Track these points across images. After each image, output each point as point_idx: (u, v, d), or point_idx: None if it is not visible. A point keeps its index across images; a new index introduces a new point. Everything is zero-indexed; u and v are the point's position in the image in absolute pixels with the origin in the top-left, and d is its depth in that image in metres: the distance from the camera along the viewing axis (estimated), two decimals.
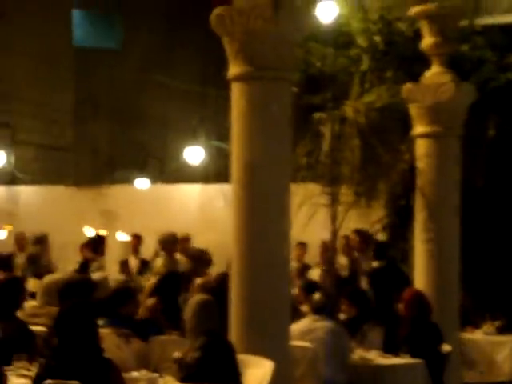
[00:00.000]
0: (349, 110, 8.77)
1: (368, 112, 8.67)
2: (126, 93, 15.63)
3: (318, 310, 7.17)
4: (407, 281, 9.05)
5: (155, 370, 5.61)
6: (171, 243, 10.91)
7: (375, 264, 9.89)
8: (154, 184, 14.30)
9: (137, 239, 12.15)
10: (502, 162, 11.05)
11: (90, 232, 11.80)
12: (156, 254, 11.13)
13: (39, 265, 10.87)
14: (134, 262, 11.71)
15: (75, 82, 15.78)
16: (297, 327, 6.94)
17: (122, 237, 11.87)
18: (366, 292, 8.65)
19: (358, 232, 10.57)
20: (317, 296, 7.26)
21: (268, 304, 6.13)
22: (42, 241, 11.72)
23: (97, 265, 11.05)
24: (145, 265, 11.51)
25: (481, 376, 9.52)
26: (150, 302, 7.93)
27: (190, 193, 14.12)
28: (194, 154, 13.74)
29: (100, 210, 13.90)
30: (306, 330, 7.00)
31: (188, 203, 13.89)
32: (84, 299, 6.49)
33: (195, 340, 5.63)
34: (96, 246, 11.56)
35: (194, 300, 5.91)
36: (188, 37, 14.75)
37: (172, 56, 15.42)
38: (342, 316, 8.06)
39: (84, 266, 11.00)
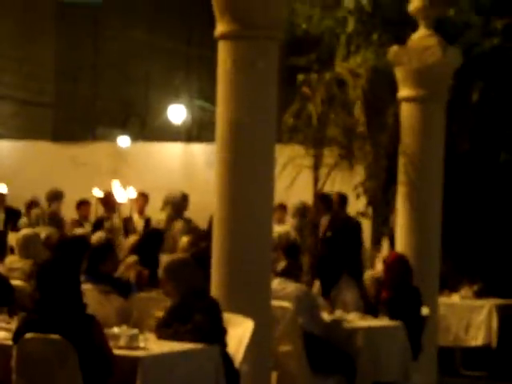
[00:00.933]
0: (344, 71, 8.70)
1: (364, 73, 8.63)
2: (109, 50, 15.51)
3: (287, 272, 7.17)
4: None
5: (135, 327, 5.62)
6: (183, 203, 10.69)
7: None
8: (135, 142, 14.23)
9: (143, 198, 11.83)
10: (485, 128, 11.06)
11: (98, 192, 11.55)
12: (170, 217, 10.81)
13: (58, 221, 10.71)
14: (138, 222, 11.50)
15: (56, 37, 15.62)
16: None
17: (129, 193, 11.63)
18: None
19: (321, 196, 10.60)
20: (282, 262, 7.27)
21: (250, 263, 6.14)
22: (57, 197, 11.61)
23: (109, 223, 10.91)
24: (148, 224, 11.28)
25: (455, 340, 9.63)
26: (130, 259, 7.93)
27: (172, 151, 14.07)
28: (177, 113, 13.68)
29: (80, 166, 13.83)
30: (277, 288, 7.00)
31: (170, 162, 13.85)
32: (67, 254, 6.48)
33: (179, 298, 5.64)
34: (107, 202, 11.38)
35: (172, 260, 5.92)
36: None
37: (156, 15, 15.30)
38: None
39: (98, 224, 10.91)
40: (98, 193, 11.38)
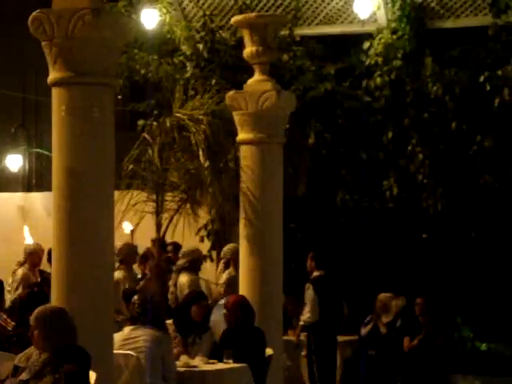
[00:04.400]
0: (184, 117, 8.75)
1: (205, 119, 8.70)
2: None
3: (135, 319, 7.09)
4: None
5: None
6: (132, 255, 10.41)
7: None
8: None
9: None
10: (321, 170, 11.37)
11: None
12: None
13: None
14: None
15: None
16: (118, 336, 6.86)
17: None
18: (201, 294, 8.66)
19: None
20: (131, 306, 7.18)
21: (90, 313, 6.03)
22: None
23: None
24: None
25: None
26: None
27: (10, 201, 13.74)
28: (14, 161, 13.41)
29: None
30: (126, 339, 6.92)
31: (8, 211, 13.51)
32: None
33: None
34: None
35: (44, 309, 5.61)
36: (7, 41, 14.38)
37: None
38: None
39: None
40: None
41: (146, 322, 7.03)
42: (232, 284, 9.38)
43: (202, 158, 8.68)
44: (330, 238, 11.07)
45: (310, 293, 9.80)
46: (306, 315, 9.80)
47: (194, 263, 9.94)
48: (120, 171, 8.57)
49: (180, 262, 10.03)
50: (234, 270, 9.64)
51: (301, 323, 9.90)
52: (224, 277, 9.84)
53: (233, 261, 9.73)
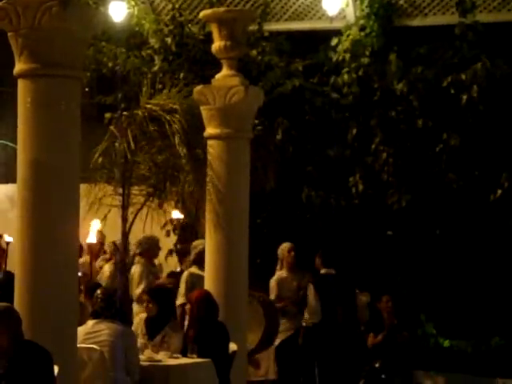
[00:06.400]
0: (155, 107, 8.70)
1: (179, 108, 8.64)
2: None
3: (98, 313, 7.07)
4: None
5: None
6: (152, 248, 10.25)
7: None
8: None
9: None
10: (288, 167, 11.39)
11: None
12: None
13: None
14: None
15: None
16: (81, 330, 6.83)
17: None
18: (168, 290, 8.61)
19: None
20: (95, 300, 7.15)
21: (55, 307, 6.00)
22: None
23: None
24: None
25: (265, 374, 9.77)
26: None
27: None
28: None
29: None
30: (90, 333, 6.90)
31: None
32: None
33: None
34: None
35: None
36: None
37: None
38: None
39: None
40: None
41: (109, 315, 7.01)
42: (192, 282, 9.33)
43: (179, 147, 8.60)
44: (295, 234, 11.09)
45: (310, 293, 9.53)
46: (306, 316, 9.54)
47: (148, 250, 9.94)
48: (87, 164, 8.52)
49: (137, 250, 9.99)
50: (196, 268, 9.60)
51: (303, 324, 9.63)
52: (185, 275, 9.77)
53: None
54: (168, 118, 8.53)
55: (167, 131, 8.47)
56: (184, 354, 7.47)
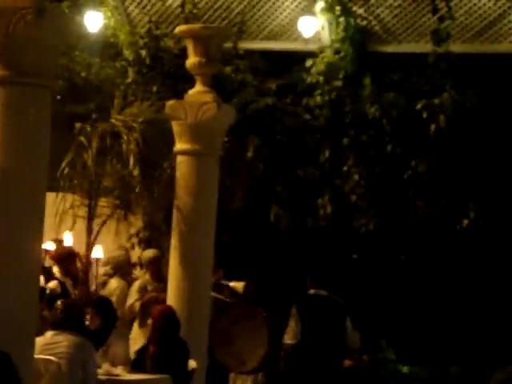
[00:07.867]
0: (118, 123, 8.67)
1: (139, 127, 8.63)
2: None
3: (56, 325, 7.00)
4: None
5: None
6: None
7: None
8: None
9: None
10: (257, 185, 11.40)
11: None
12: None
13: None
14: None
15: None
16: (40, 341, 6.76)
17: None
18: (109, 300, 8.57)
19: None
20: (54, 311, 7.09)
21: (14, 317, 5.94)
22: None
23: None
24: None
25: None
26: None
27: None
28: None
29: None
30: (48, 344, 6.83)
31: None
32: None
33: None
34: None
35: None
36: None
37: None
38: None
39: None
40: None
41: (68, 327, 6.95)
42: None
43: (131, 167, 8.58)
44: (261, 254, 11.09)
45: (292, 313, 8.94)
46: (284, 337, 8.93)
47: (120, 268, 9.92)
48: (56, 174, 8.48)
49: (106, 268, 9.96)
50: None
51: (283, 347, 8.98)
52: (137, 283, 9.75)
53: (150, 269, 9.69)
54: (125, 137, 8.51)
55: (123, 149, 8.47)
56: (135, 365, 7.43)
